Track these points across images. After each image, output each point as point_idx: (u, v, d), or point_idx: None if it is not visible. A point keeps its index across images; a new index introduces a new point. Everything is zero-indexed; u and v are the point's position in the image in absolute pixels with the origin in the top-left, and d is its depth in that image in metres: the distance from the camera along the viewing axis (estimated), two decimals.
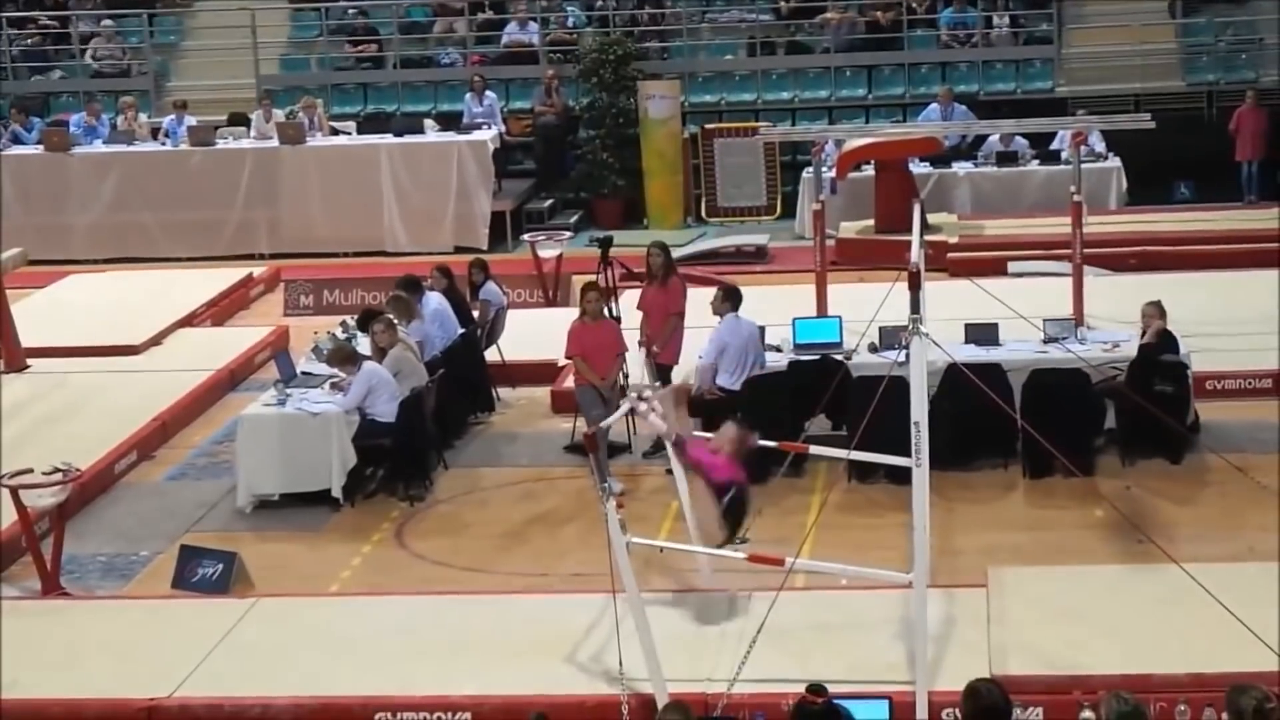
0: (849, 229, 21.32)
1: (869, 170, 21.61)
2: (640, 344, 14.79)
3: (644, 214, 24.05)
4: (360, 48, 26.12)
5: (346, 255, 22.95)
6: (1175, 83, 24.38)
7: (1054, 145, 22.40)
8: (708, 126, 24.32)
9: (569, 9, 26.24)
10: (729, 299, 14.44)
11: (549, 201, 24.25)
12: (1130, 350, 14.26)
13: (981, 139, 22.68)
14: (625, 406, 11.43)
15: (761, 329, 14.60)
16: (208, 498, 14.31)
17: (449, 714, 10.23)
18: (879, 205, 21.14)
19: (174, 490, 14.69)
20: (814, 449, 12.19)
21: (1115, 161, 22.16)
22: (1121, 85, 24.09)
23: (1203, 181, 23.05)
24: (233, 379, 17.34)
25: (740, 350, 14.26)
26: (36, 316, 18.61)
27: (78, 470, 12.81)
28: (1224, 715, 7.42)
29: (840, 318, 14.93)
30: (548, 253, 19.82)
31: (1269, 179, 23.16)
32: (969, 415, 13.27)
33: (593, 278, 16.06)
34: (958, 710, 7.61)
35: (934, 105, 23.43)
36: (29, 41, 27.01)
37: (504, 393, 16.46)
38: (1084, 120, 19.30)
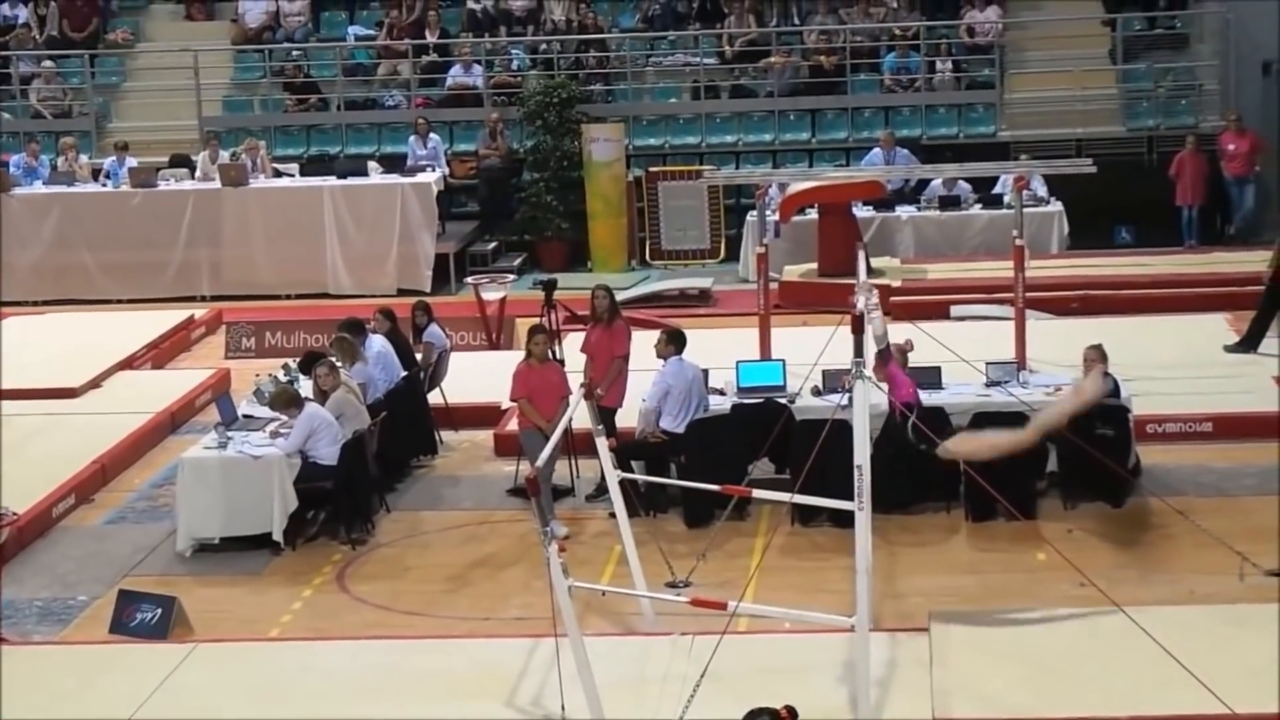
0: (792, 272, 21.37)
1: (812, 214, 21.68)
2: (583, 386, 14.77)
3: (588, 257, 24.04)
4: (298, 97, 26.02)
5: (289, 297, 22.86)
6: (1116, 128, 24.57)
7: (996, 189, 22.54)
8: (652, 169, 24.37)
9: (513, 52, 26.26)
10: (673, 342, 14.44)
11: (493, 244, 24.22)
12: None
13: (924, 183, 22.77)
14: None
15: (705, 372, 14.58)
16: (147, 541, 14.17)
17: None
18: (822, 249, 21.20)
19: (113, 534, 14.54)
20: (757, 492, 12.19)
21: (1057, 206, 22.30)
22: (1063, 130, 24.26)
23: (1143, 226, 23.23)
24: (173, 422, 17.21)
25: (684, 393, 14.25)
26: None
27: (15, 514, 12.71)
28: None
29: (784, 361, 14.94)
30: (491, 295, 19.77)
31: (1209, 224, 23.37)
32: (912, 459, 13.30)
33: (536, 320, 16.03)
34: None
35: (877, 149, 23.53)
36: None
37: (447, 436, 16.40)
38: (1026, 165, 19.44)
